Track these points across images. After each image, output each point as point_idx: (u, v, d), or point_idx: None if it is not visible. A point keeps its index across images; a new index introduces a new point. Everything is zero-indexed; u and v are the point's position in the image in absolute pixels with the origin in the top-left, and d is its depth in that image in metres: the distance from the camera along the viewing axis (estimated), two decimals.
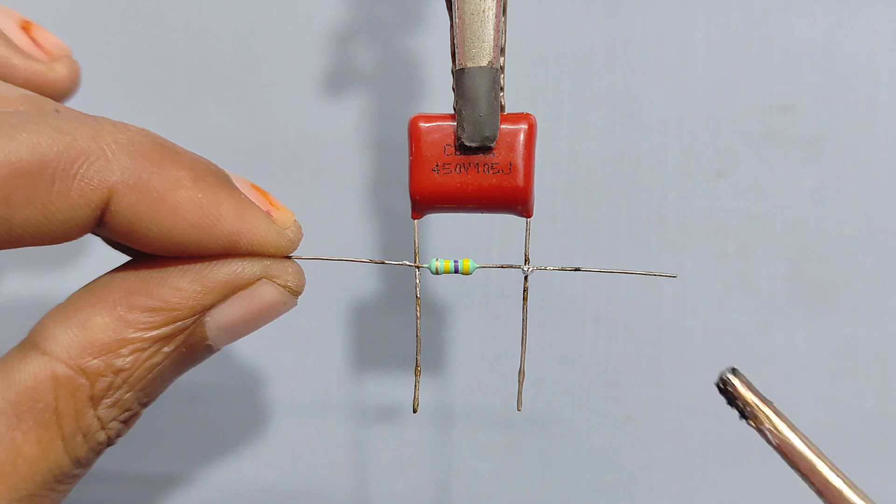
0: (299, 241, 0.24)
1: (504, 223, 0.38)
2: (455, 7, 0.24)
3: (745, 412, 0.21)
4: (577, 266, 0.26)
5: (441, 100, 0.38)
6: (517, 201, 0.25)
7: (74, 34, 0.39)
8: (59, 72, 0.26)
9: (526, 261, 0.26)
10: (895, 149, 0.37)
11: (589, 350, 0.38)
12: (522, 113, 0.25)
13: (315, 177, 0.39)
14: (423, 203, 0.25)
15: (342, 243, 0.39)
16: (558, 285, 0.38)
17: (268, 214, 0.23)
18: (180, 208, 0.21)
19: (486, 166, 0.24)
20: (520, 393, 0.27)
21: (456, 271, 0.26)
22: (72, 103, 0.41)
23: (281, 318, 0.40)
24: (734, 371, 0.21)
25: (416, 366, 0.27)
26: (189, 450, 0.40)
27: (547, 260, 0.38)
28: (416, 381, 0.27)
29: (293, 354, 0.39)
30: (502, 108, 0.24)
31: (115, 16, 0.39)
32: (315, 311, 0.39)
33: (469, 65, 0.24)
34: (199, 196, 0.22)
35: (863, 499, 0.19)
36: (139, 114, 0.39)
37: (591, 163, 0.38)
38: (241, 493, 0.40)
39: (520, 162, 0.24)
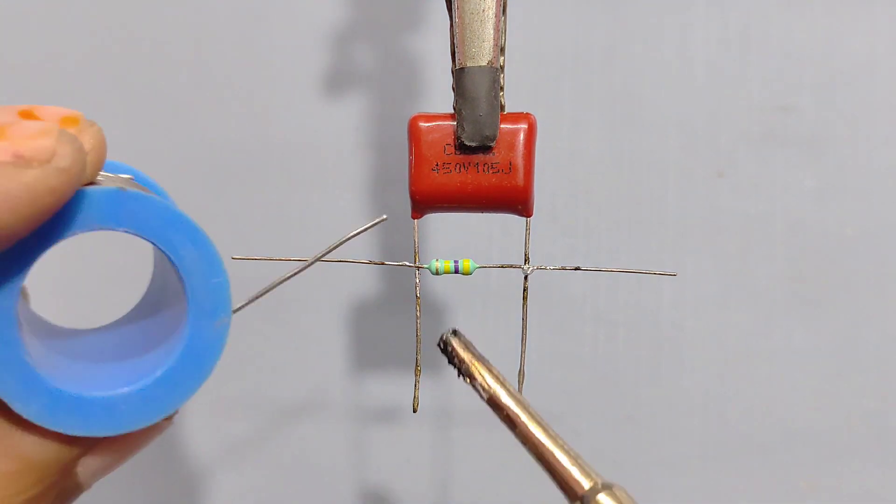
0: (81, 160, 0.17)
1: (504, 223, 0.38)
2: (455, 7, 0.24)
3: (461, 369, 0.22)
4: (577, 265, 0.26)
5: (441, 100, 0.38)
6: (517, 201, 0.25)
7: (75, 35, 0.39)
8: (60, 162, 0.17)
9: (526, 260, 0.26)
10: (895, 149, 0.37)
11: (589, 350, 0.38)
12: (522, 112, 0.25)
13: (315, 177, 0.39)
14: (423, 203, 0.25)
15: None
16: (558, 285, 0.38)
17: (14, 158, 0.16)
18: None
19: (486, 166, 0.24)
20: (520, 393, 0.27)
21: (456, 271, 0.26)
22: (74, 105, 0.41)
23: (282, 317, 0.40)
24: (455, 332, 0.22)
25: (416, 366, 0.27)
26: (191, 450, 0.40)
27: (547, 260, 0.38)
28: (416, 381, 0.27)
29: (293, 354, 0.39)
30: (502, 107, 0.24)
31: (115, 16, 0.39)
32: (315, 311, 0.39)
33: (469, 64, 0.24)
34: None
35: (561, 449, 0.20)
36: (139, 114, 0.39)
37: (591, 163, 0.38)
38: (241, 492, 0.40)
39: (520, 161, 0.24)
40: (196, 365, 0.19)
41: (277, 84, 0.39)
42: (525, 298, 0.26)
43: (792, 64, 0.37)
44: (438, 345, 0.23)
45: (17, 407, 0.17)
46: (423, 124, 0.24)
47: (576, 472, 0.19)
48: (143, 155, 0.39)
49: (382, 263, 0.27)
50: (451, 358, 0.22)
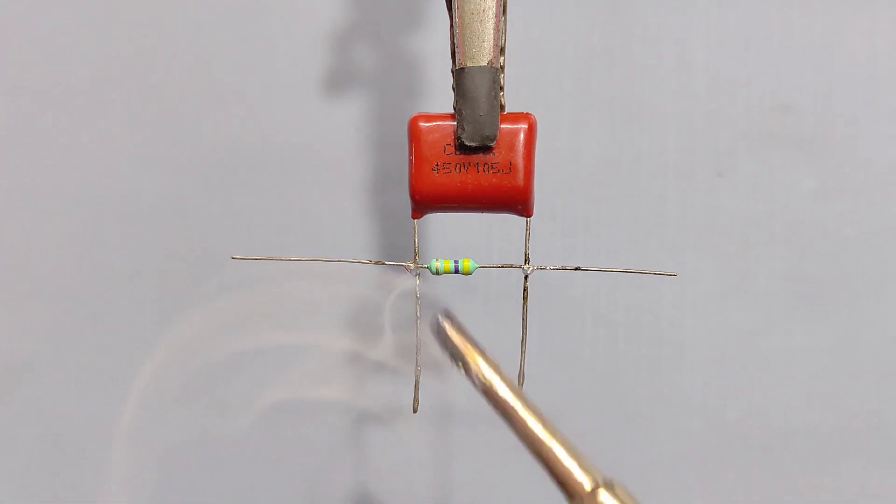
0: None
1: (504, 223, 0.38)
2: (455, 7, 0.24)
3: (455, 356, 0.21)
4: (577, 266, 0.26)
5: (441, 100, 0.38)
6: (517, 201, 0.25)
7: (74, 36, 0.39)
8: None
9: (526, 260, 0.26)
10: (895, 149, 0.37)
11: (589, 350, 0.38)
12: (522, 112, 0.25)
13: (315, 177, 0.39)
14: (423, 203, 0.25)
15: (342, 243, 0.39)
16: (558, 285, 0.38)
17: None
18: None
19: (486, 166, 0.24)
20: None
21: (456, 271, 0.26)
22: (74, 104, 0.41)
23: (282, 317, 0.40)
24: (447, 315, 0.21)
25: (416, 366, 0.27)
26: (191, 450, 0.40)
27: (547, 260, 0.38)
28: (416, 381, 0.27)
29: (293, 354, 0.39)
30: (502, 107, 0.24)
31: (115, 16, 0.39)
32: (315, 311, 0.39)
33: (469, 64, 0.24)
34: None
35: (561, 445, 0.19)
36: (140, 114, 0.39)
37: (591, 163, 0.38)
38: (242, 492, 0.40)
39: (520, 161, 0.24)
40: None
41: (277, 84, 0.39)
42: (525, 299, 0.26)
43: (792, 64, 0.37)
44: (431, 328, 0.21)
45: None
46: (423, 124, 0.24)
47: (576, 470, 0.18)
48: (144, 155, 0.39)
49: (382, 263, 0.27)
50: (444, 343, 0.21)
